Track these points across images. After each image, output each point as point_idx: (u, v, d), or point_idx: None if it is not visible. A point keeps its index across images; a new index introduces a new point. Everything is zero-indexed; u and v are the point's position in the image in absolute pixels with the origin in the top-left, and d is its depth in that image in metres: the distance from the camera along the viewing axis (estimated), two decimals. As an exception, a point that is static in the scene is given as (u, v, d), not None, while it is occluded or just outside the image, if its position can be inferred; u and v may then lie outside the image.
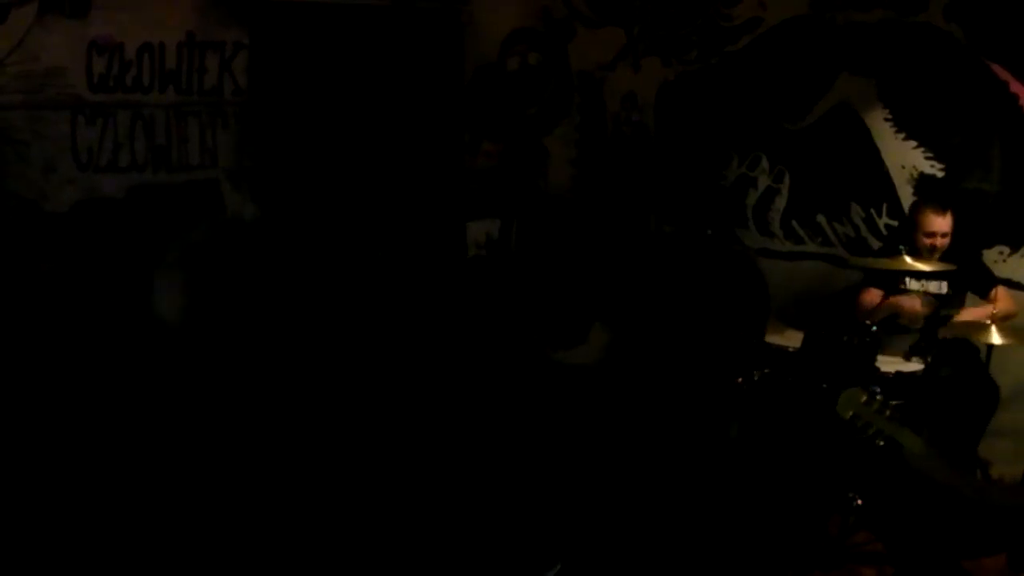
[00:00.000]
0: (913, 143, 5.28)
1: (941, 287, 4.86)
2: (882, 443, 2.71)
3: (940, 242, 4.73)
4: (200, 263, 2.58)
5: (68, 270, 5.47)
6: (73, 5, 5.49)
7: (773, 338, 4.57)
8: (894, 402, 2.81)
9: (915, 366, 4.53)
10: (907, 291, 4.91)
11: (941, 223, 4.73)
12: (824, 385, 4.27)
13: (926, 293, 4.86)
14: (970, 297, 4.93)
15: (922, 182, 5.25)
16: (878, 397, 2.74)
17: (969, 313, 4.76)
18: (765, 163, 5.82)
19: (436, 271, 6.09)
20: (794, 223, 5.77)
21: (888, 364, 4.46)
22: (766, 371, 4.53)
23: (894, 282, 4.89)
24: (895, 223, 5.35)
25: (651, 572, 3.88)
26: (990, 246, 5.03)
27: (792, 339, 4.55)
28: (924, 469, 2.73)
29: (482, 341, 5.21)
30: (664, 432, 4.32)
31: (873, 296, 4.89)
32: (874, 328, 4.34)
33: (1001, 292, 4.78)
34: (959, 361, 4.68)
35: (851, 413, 2.73)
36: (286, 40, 6.24)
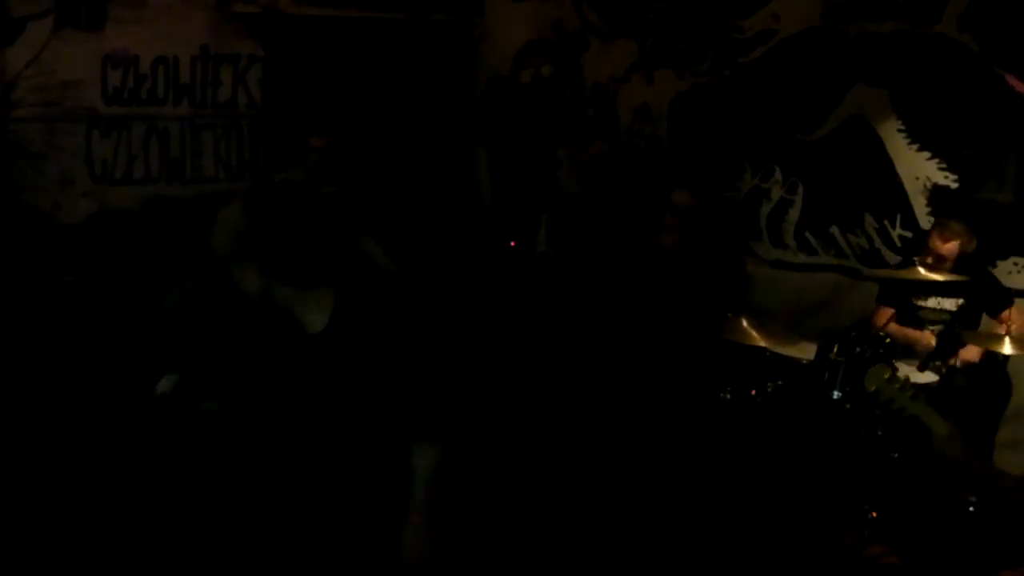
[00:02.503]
0: (927, 154, 5.27)
1: (955, 303, 4.83)
2: (904, 420, 2.71)
3: (933, 263, 4.63)
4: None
5: (85, 282, 5.50)
6: (89, 19, 5.53)
7: (786, 350, 4.54)
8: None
9: (930, 377, 4.50)
10: (921, 308, 4.89)
11: (942, 247, 4.65)
12: (837, 397, 4.25)
13: (941, 311, 4.84)
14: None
15: (936, 194, 5.24)
16: (898, 377, 2.74)
17: (977, 351, 4.73)
18: (778, 174, 5.81)
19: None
20: (808, 234, 5.75)
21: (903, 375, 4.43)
22: (779, 383, 4.51)
23: (908, 297, 4.87)
24: (909, 234, 5.34)
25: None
26: (1004, 257, 5.01)
27: (806, 351, 4.53)
28: (945, 452, 2.72)
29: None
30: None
31: (883, 317, 4.86)
32: (888, 339, 4.32)
33: (1015, 313, 4.73)
34: (974, 371, 4.64)
35: (874, 388, 2.72)
36: (300, 53, 6.27)
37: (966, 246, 4.67)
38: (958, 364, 4.55)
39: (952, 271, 4.67)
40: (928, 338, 4.75)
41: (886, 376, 2.73)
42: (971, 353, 4.65)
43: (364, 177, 5.95)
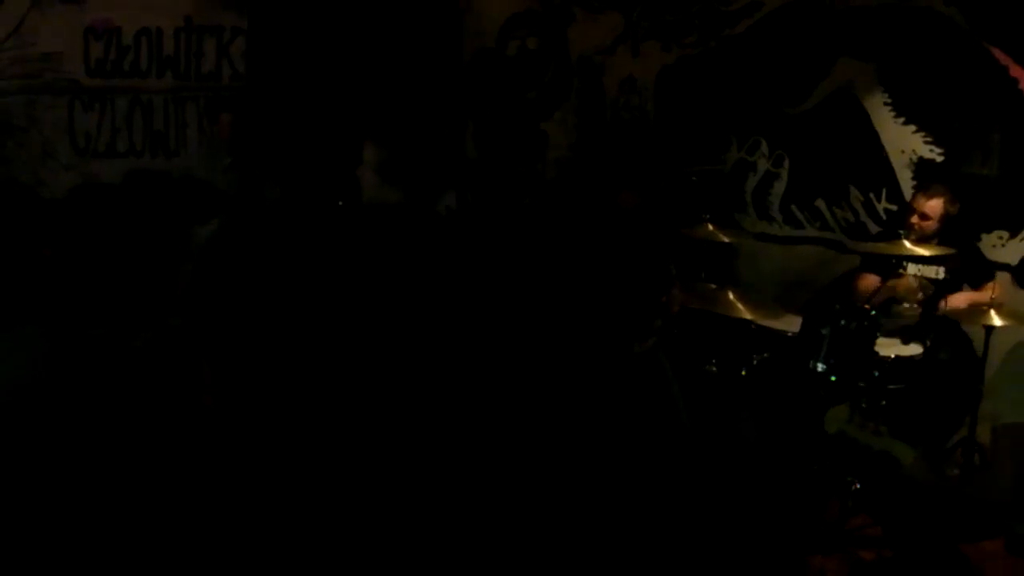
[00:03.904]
0: (912, 127, 5.27)
1: (938, 272, 4.86)
2: (873, 456, 2.74)
3: (918, 223, 4.71)
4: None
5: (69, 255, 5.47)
6: (70, -11, 5.48)
7: (772, 323, 4.56)
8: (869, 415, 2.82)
9: (914, 350, 4.53)
10: (902, 275, 4.90)
11: (924, 204, 4.73)
12: (822, 369, 4.27)
13: (924, 278, 4.86)
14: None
15: (921, 167, 5.24)
16: (857, 416, 2.76)
17: (966, 296, 4.75)
18: (764, 147, 5.81)
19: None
20: (793, 207, 5.76)
21: (887, 348, 4.46)
22: (765, 356, 4.53)
23: (892, 266, 4.88)
24: (894, 207, 5.34)
25: (652, 556, 3.90)
26: (989, 231, 5.02)
27: (791, 324, 4.55)
28: (915, 478, 2.75)
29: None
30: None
31: (869, 282, 4.88)
32: (873, 312, 4.33)
33: (997, 284, 4.75)
34: (957, 345, 4.67)
35: (836, 429, 2.75)
36: (284, 25, 6.23)
37: (949, 207, 4.73)
38: (944, 306, 4.57)
39: (937, 243, 4.70)
40: (908, 280, 4.76)
41: (845, 417, 2.75)
42: (958, 300, 4.67)
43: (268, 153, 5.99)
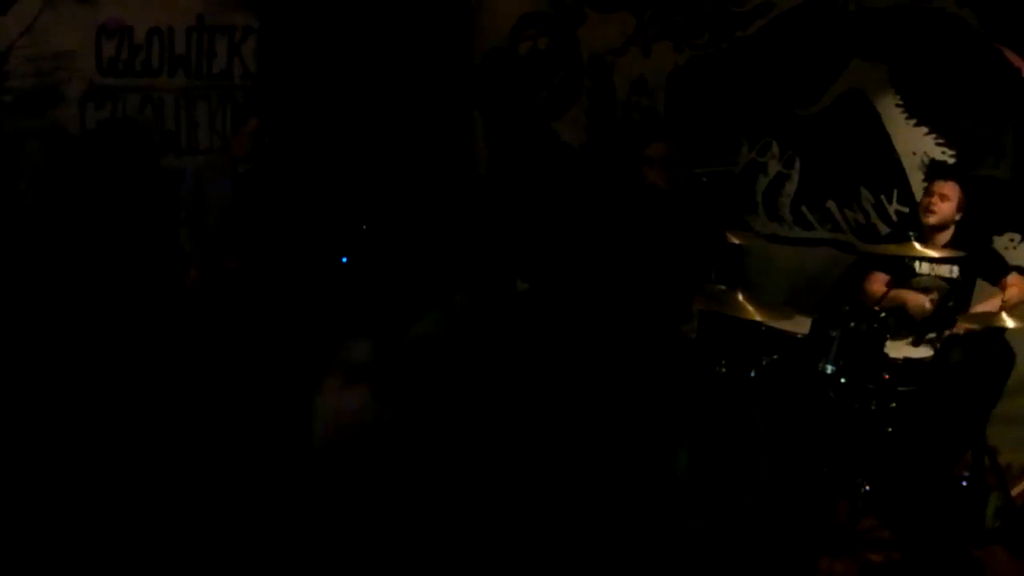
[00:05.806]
0: (924, 129, 5.25)
1: (952, 271, 4.82)
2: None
3: (937, 204, 4.66)
4: None
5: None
6: (83, -12, 5.50)
7: (781, 324, 4.54)
8: None
9: (924, 352, 4.51)
10: (917, 275, 4.87)
11: (943, 186, 4.70)
12: (831, 371, 4.26)
13: (937, 278, 4.83)
14: (980, 287, 4.87)
15: (933, 168, 5.22)
16: None
17: (980, 307, 4.71)
18: (775, 148, 5.80)
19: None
20: (804, 209, 5.75)
21: (897, 350, 4.44)
22: (775, 357, 4.52)
23: (903, 264, 4.86)
24: (905, 209, 5.33)
25: (662, 556, 3.89)
26: (1000, 233, 5.01)
27: (800, 325, 4.54)
28: None
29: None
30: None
31: (878, 283, 4.85)
32: (883, 314, 4.32)
33: (1014, 278, 4.71)
34: (970, 344, 4.60)
35: None
36: (295, 24, 6.24)
37: (961, 199, 4.70)
38: (961, 332, 4.53)
39: (948, 245, 4.67)
40: (923, 300, 4.72)
41: None
42: (967, 321, 4.63)
43: (299, 157, 5.95)
